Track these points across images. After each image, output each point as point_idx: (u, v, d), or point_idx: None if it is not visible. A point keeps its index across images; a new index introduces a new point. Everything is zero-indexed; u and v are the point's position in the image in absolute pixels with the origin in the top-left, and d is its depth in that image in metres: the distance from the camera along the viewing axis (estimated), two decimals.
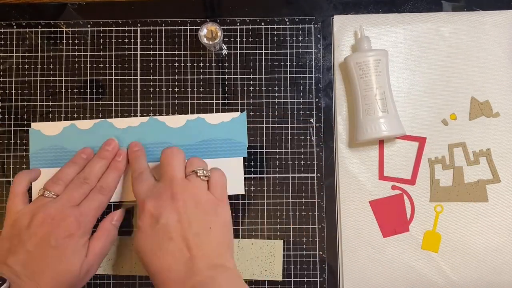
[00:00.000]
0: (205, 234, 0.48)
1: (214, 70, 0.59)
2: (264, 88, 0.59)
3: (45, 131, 0.58)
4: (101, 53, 0.59)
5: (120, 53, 0.59)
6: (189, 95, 0.59)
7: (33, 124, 0.58)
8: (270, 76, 0.59)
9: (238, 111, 0.58)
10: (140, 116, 0.58)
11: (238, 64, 0.59)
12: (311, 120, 0.59)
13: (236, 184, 0.57)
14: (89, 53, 0.59)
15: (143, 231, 0.49)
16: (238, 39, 0.59)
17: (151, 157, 0.57)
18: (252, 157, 0.58)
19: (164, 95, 0.59)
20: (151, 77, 0.59)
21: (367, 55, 0.55)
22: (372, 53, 0.55)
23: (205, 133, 0.58)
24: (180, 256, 0.47)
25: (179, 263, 0.47)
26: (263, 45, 0.59)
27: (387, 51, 0.57)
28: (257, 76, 0.59)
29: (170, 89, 0.59)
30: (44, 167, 0.57)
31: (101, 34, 0.59)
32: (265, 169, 0.58)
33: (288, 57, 0.59)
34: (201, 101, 0.59)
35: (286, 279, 0.57)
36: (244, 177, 0.58)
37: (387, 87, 0.55)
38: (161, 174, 0.52)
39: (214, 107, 0.59)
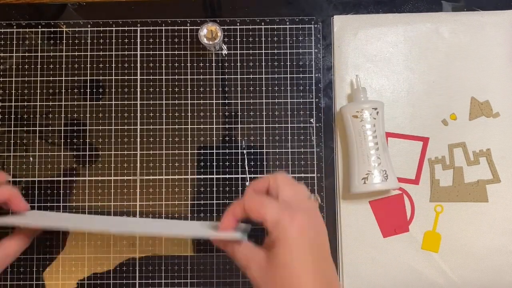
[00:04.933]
0: None
1: (214, 70, 0.59)
2: (264, 88, 0.59)
3: None
4: (101, 53, 0.59)
5: (120, 53, 0.59)
6: (189, 95, 0.59)
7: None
8: (270, 76, 0.59)
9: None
10: (140, 115, 0.58)
11: (238, 64, 0.59)
12: (311, 120, 0.59)
13: None
14: (89, 53, 0.59)
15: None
16: (238, 39, 0.59)
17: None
18: (252, 157, 0.58)
19: (164, 95, 0.59)
20: (151, 77, 0.59)
21: (362, 106, 0.54)
22: (367, 105, 0.54)
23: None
24: None
25: None
26: (263, 45, 0.59)
27: (383, 102, 0.55)
28: (257, 76, 0.59)
29: (170, 89, 0.59)
30: None
31: (101, 34, 0.59)
32: (265, 169, 0.58)
33: (288, 57, 0.59)
34: (201, 101, 0.59)
35: None
36: (244, 177, 0.58)
37: (383, 139, 0.54)
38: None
39: (214, 107, 0.59)
